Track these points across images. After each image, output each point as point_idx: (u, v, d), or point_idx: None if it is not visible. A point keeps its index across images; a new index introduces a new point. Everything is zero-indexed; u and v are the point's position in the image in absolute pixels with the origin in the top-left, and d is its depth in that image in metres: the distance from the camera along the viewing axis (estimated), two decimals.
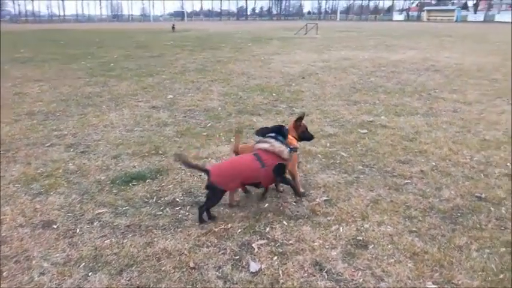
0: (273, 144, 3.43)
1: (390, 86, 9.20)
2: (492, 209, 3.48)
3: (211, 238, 3.09)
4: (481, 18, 64.58)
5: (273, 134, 3.57)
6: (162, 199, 3.75)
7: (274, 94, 8.54)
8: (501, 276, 2.59)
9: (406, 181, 4.09)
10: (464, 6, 74.93)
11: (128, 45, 21.77)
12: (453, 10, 62.88)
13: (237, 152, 3.80)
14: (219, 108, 7.34)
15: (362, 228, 3.22)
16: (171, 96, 8.46)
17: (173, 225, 3.28)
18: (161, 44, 21.95)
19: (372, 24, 53.96)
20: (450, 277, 2.60)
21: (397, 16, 76.46)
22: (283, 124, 3.84)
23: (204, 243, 3.02)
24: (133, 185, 4.04)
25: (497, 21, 57.37)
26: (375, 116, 6.57)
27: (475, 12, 72.68)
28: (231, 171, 3.34)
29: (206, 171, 3.31)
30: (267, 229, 3.21)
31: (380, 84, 9.43)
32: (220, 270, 2.72)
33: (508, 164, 4.48)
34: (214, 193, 3.31)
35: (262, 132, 3.69)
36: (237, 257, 2.85)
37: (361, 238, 3.08)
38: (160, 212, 3.49)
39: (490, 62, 13.22)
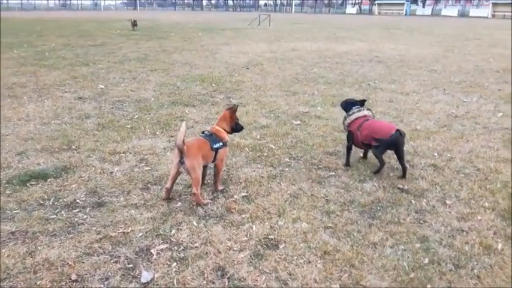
0: None
1: (332, 77, 9.12)
2: (413, 201, 3.36)
3: (105, 244, 2.74)
4: (429, 12, 66.98)
5: None
6: (61, 200, 3.35)
7: (214, 84, 8.22)
8: (412, 275, 2.44)
9: (331, 173, 3.91)
10: (414, 1, 77.43)
11: (71, 34, 20.56)
12: (403, 4, 64.68)
13: None
14: (152, 99, 6.92)
15: (276, 225, 2.99)
16: (102, 86, 7.93)
17: (65, 231, 2.91)
18: (106, 33, 20.91)
19: (325, 16, 54.55)
20: (359, 278, 2.42)
21: (350, 9, 77.81)
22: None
23: (96, 251, 2.67)
24: (32, 184, 3.60)
25: (444, 15, 59.70)
26: (311, 107, 6.41)
27: (423, 7, 75.26)
28: None
29: None
30: (173, 231, 2.91)
31: (322, 75, 9.33)
32: (106, 283, 2.39)
33: (435, 154, 4.43)
34: None
35: None
36: (130, 266, 2.54)
37: (273, 237, 2.85)
38: (54, 216, 3.09)
39: (432, 53, 13.54)
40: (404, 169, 3.81)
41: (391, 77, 9.16)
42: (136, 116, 5.86)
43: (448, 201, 3.36)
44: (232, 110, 3.60)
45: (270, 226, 2.99)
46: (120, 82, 8.37)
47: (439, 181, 3.74)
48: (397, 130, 3.71)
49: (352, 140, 4.00)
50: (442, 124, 5.55)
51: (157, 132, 5.12)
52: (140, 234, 2.87)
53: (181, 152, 3.15)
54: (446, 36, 21.39)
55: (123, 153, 4.42)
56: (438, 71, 10.04)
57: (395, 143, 3.70)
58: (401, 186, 3.62)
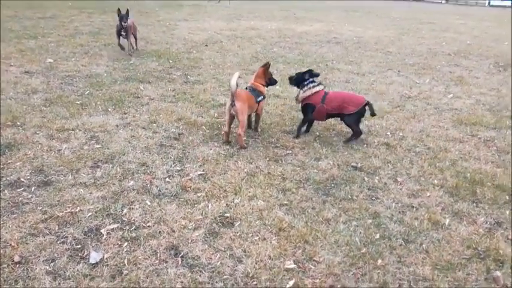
0: None
1: (291, 57, 9.09)
2: (366, 178, 3.44)
3: (51, 225, 2.61)
4: None
5: None
6: (4, 179, 3.14)
7: (171, 61, 7.96)
8: (363, 250, 2.50)
9: (288, 152, 3.92)
10: None
11: (18, 5, 19.19)
12: None
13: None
14: (105, 75, 6.61)
15: (232, 203, 2.97)
16: (50, 60, 7.47)
17: (7, 211, 2.74)
18: (57, 5, 19.68)
19: None
20: (312, 253, 2.45)
21: None
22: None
23: (41, 232, 2.54)
24: None
25: None
26: (270, 86, 6.36)
27: None
28: None
29: None
30: (124, 211, 2.81)
31: (282, 55, 9.28)
32: (52, 264, 2.28)
33: (388, 133, 4.54)
34: None
35: None
36: (78, 247, 2.43)
37: (228, 215, 2.82)
38: None
39: (388, 35, 13.81)
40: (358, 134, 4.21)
41: (348, 58, 9.26)
42: (87, 92, 5.58)
43: (399, 179, 3.46)
44: (266, 67, 4.28)
45: (226, 204, 2.96)
46: (71, 56, 7.92)
47: (391, 159, 3.84)
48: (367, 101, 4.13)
49: (312, 112, 4.16)
50: (396, 104, 5.69)
51: (109, 109, 4.90)
52: (89, 214, 2.75)
53: (233, 96, 3.77)
54: (401, 19, 21.89)
55: (72, 130, 4.20)
56: (393, 53, 10.26)
57: (364, 112, 4.13)
58: (355, 164, 3.69)
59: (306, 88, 4.17)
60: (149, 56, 8.31)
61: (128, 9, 7.80)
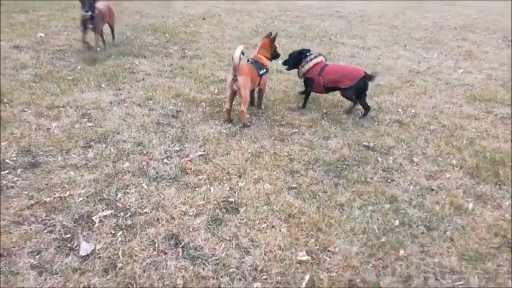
0: None
1: (293, 30, 8.72)
2: (379, 159, 3.19)
3: (38, 211, 2.37)
4: None
5: None
6: None
7: (167, 35, 7.59)
8: (383, 239, 2.27)
9: (294, 130, 3.66)
10: None
11: None
12: None
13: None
14: (98, 49, 6.26)
15: (236, 187, 2.73)
16: (42, 34, 7.08)
17: None
18: None
19: None
20: (327, 243, 2.22)
21: None
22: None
23: (26, 219, 2.30)
24: None
25: None
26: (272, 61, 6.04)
27: None
28: None
29: None
30: (119, 195, 2.57)
31: (283, 28, 8.89)
32: (37, 257, 2.04)
33: (400, 109, 4.27)
34: None
35: None
36: (68, 236, 2.19)
37: (233, 200, 2.58)
38: None
39: (391, 9, 13.37)
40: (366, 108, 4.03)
41: (352, 32, 8.90)
42: (80, 67, 5.26)
43: (415, 159, 3.22)
44: (272, 37, 4.02)
45: (230, 188, 2.72)
46: (63, 30, 7.53)
47: (405, 138, 3.59)
48: (365, 72, 3.93)
49: (311, 85, 4.06)
50: (405, 79, 5.40)
51: (102, 85, 4.60)
52: (80, 199, 2.51)
53: (235, 71, 3.50)
54: None
55: (63, 107, 3.92)
56: (398, 27, 9.89)
57: (365, 86, 3.92)
58: (366, 143, 3.44)
59: (303, 63, 4.08)
60: (144, 30, 7.92)
61: None
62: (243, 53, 3.72)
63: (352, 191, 2.73)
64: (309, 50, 4.22)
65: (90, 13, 5.29)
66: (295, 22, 9.92)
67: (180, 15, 10.03)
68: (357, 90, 3.88)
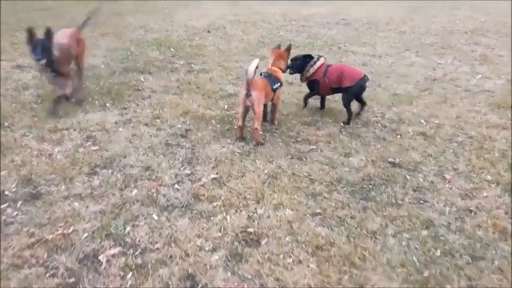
0: None
1: (299, 40, 8.52)
2: (408, 177, 2.95)
3: (39, 251, 2.14)
4: None
5: None
6: None
7: (172, 49, 7.43)
8: (426, 273, 2.02)
9: (311, 147, 3.42)
10: None
11: None
12: None
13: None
14: (102, 66, 6.09)
15: (255, 215, 2.49)
16: None
17: None
18: None
19: None
20: (363, 280, 1.98)
21: None
22: None
23: (27, 261, 2.08)
24: None
25: None
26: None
27: None
28: None
29: None
30: (127, 229, 2.34)
31: (290, 38, 8.70)
32: None
33: (422, 120, 4.03)
34: None
35: None
36: (72, 280, 1.96)
37: (252, 230, 2.35)
38: None
39: (398, 15, 13.17)
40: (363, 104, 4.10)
41: (360, 40, 8.69)
42: (83, 86, 5.08)
43: (446, 176, 2.97)
44: (288, 48, 3.91)
45: (248, 215, 2.48)
46: None
47: (432, 152, 3.34)
48: (365, 75, 3.97)
49: (318, 88, 4.06)
50: (422, 87, 5.16)
51: (107, 104, 4.41)
52: (85, 235, 2.28)
53: (249, 85, 3.29)
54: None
55: (66, 129, 3.72)
56: (407, 33, 9.68)
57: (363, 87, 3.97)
58: (392, 159, 3.19)
59: (308, 66, 4.03)
60: (149, 44, 7.77)
61: (49, 30, 3.85)
62: (257, 67, 3.52)
63: (383, 215, 2.48)
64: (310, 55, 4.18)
65: (44, 61, 3.71)
66: (302, 31, 9.74)
67: (185, 28, 9.90)
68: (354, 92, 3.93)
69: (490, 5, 15.52)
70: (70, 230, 2.31)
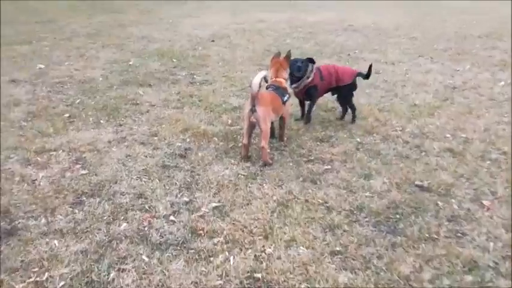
0: None
1: (307, 48, 8.19)
2: (440, 203, 2.55)
3: None
4: None
5: None
6: None
7: (174, 60, 7.11)
8: None
9: (326, 167, 3.04)
10: None
11: (12, 10, 18.53)
12: None
13: None
14: (100, 79, 5.79)
15: (263, 254, 2.11)
16: (41, 66, 6.67)
17: None
18: (54, 9, 18.98)
19: None
20: None
21: None
22: None
23: None
24: None
25: None
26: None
27: None
28: None
29: None
30: (111, 275, 1.97)
31: (297, 46, 8.36)
32: None
33: (447, 134, 3.63)
34: None
35: None
36: None
37: (260, 276, 1.96)
38: None
39: (406, 20, 12.80)
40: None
41: (370, 46, 8.33)
42: (78, 101, 4.76)
43: (484, 201, 2.56)
44: (287, 56, 3.58)
45: (255, 256, 2.10)
46: (64, 60, 7.12)
47: (464, 172, 2.94)
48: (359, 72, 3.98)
49: (317, 93, 3.88)
50: (443, 97, 4.77)
51: (101, 121, 4.07)
52: (61, 283, 1.92)
53: (253, 100, 2.97)
54: (415, 3, 20.75)
55: (54, 150, 3.38)
56: (419, 39, 9.30)
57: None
58: (419, 182, 2.80)
59: (308, 73, 3.79)
60: (150, 55, 7.46)
61: None
62: (266, 80, 3.17)
63: (416, 254, 2.09)
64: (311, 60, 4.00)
65: None
66: (309, 39, 9.41)
67: (188, 37, 9.63)
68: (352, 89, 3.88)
69: (492, 3, 15.13)
70: (44, 277, 1.94)
